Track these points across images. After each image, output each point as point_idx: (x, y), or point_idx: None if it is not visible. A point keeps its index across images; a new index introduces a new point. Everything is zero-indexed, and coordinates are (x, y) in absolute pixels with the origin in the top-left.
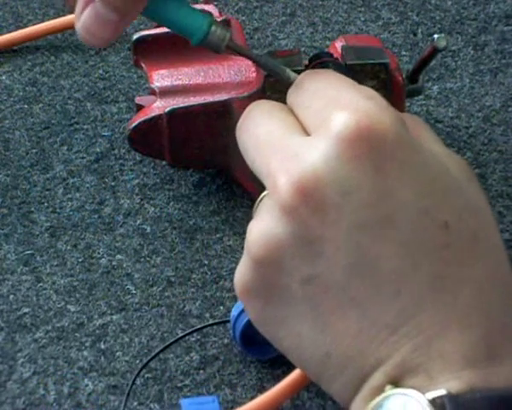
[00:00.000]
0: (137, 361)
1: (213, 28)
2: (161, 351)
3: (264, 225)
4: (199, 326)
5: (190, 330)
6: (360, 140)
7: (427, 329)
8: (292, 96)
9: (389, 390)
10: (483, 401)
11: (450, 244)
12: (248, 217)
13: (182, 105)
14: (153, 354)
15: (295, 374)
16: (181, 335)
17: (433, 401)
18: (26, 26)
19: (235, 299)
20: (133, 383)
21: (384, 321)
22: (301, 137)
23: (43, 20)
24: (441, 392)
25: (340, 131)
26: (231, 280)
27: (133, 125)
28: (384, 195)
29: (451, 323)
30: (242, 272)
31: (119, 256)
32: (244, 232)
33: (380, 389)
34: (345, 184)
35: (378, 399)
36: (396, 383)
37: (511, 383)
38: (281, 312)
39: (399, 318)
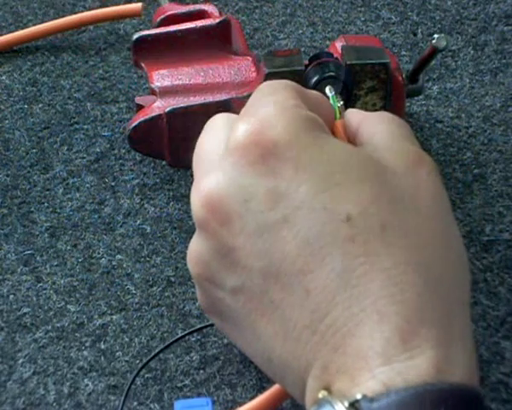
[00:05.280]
0: (137, 361)
1: None
2: (161, 351)
3: (193, 244)
4: (199, 326)
5: (190, 330)
6: (250, 146)
7: (342, 327)
8: None
9: (321, 397)
10: (398, 403)
11: (354, 236)
12: None
13: (182, 105)
14: (153, 353)
15: None
16: (181, 335)
17: (352, 406)
18: (26, 26)
19: None
20: (132, 382)
21: (302, 322)
22: (220, 153)
23: (43, 20)
24: (358, 396)
25: (234, 140)
26: None
27: (133, 125)
28: (280, 197)
29: (363, 318)
30: (197, 292)
31: (119, 256)
32: None
33: (316, 393)
34: (243, 192)
35: (313, 408)
36: (328, 386)
37: (429, 375)
38: (228, 324)
39: (314, 318)
